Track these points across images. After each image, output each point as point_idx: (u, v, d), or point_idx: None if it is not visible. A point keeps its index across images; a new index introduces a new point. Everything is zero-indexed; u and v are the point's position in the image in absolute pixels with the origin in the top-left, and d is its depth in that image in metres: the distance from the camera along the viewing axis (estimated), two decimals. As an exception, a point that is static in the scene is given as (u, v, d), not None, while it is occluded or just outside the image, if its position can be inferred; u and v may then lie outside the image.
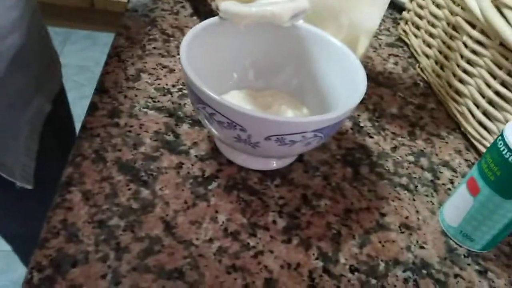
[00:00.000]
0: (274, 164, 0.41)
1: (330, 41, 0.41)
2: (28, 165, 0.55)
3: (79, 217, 0.34)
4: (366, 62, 0.59)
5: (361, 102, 0.51)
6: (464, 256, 0.38)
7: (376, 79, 0.56)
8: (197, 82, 0.33)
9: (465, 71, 0.49)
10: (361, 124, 0.49)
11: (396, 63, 0.60)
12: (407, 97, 0.54)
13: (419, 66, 0.59)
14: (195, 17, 0.59)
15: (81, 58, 1.84)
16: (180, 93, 0.47)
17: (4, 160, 0.52)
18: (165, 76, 0.49)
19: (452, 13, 0.51)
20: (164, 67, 0.50)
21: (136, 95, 0.45)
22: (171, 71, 0.49)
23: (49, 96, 0.59)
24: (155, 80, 0.48)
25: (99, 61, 1.83)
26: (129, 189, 0.37)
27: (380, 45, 0.63)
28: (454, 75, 0.51)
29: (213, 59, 0.41)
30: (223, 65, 0.42)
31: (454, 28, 0.51)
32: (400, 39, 0.65)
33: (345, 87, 0.40)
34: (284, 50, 0.43)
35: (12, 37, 0.48)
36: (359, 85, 0.37)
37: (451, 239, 0.39)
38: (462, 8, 0.49)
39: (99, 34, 1.98)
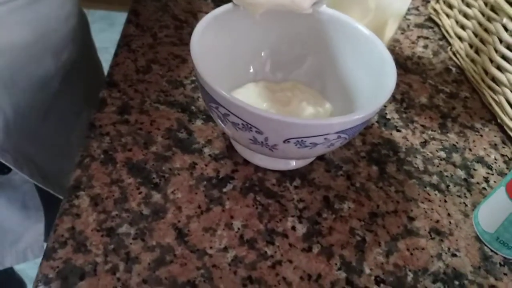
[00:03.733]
0: (293, 164, 0.38)
1: (356, 27, 0.38)
2: None
3: (88, 224, 0.32)
4: (393, 46, 0.54)
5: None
6: (500, 265, 0.35)
7: (404, 65, 0.52)
8: (209, 80, 0.30)
9: (503, 57, 0.44)
10: (388, 117, 0.45)
11: (426, 46, 0.56)
12: (438, 85, 0.50)
13: (451, 50, 0.55)
14: (209, 0, 0.55)
15: (99, 40, 1.81)
16: (193, 85, 0.44)
17: (62, 182, 0.49)
18: (177, 67, 0.46)
19: (491, -9, 0.46)
20: (176, 56, 0.47)
21: (147, 89, 0.43)
22: (184, 61, 0.47)
23: (96, 106, 0.57)
24: (167, 72, 0.45)
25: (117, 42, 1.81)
26: (140, 193, 0.35)
27: (408, 26, 0.59)
28: (491, 60, 0.46)
29: (226, 51, 0.38)
30: (238, 56, 0.39)
31: (493, 8, 0.46)
32: (430, 19, 0.60)
33: (372, 80, 0.36)
34: (304, 38, 0.40)
35: (67, 51, 0.46)
36: (388, 79, 0.34)
37: (486, 245, 0.36)
38: (502, -14, 0.44)
39: (116, 14, 1.95)
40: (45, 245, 0.53)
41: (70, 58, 0.47)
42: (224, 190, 0.36)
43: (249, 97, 0.38)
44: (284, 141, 0.31)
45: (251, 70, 0.40)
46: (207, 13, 0.44)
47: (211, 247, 0.32)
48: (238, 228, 0.34)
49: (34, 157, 0.45)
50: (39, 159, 0.46)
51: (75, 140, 0.52)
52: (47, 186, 0.47)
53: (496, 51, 0.45)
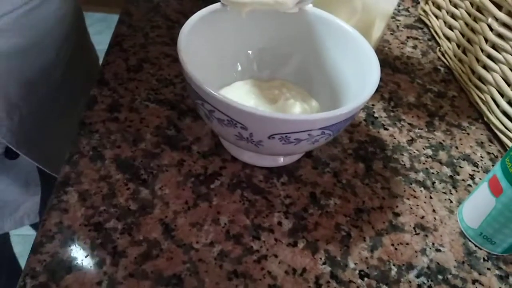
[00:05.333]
0: (281, 161, 0.38)
1: (341, 26, 0.38)
2: None
3: (75, 219, 0.33)
4: (383, 46, 0.55)
5: (376, 90, 0.48)
6: (484, 260, 0.35)
7: (393, 64, 0.53)
8: (194, 77, 0.31)
9: (489, 56, 0.45)
10: (376, 115, 0.46)
11: (415, 47, 0.56)
12: (426, 84, 0.51)
13: (439, 50, 0.55)
14: (200, 1, 0.56)
15: (97, 42, 1.82)
16: (183, 84, 0.45)
17: (61, 164, 0.53)
18: (168, 66, 0.46)
19: (477, -8, 0.46)
20: (168, 56, 0.48)
21: (137, 87, 0.43)
22: (175, 60, 0.47)
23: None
24: (157, 71, 0.45)
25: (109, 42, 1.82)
26: (128, 189, 0.35)
27: (398, 26, 0.59)
28: (478, 60, 0.47)
29: (214, 49, 0.38)
30: (226, 55, 0.40)
31: (479, 9, 0.46)
32: (420, 20, 0.61)
33: (357, 77, 0.37)
34: (291, 37, 0.40)
35: (66, 44, 0.49)
36: (371, 76, 0.34)
37: (470, 240, 0.36)
38: (488, -14, 0.45)
39: (114, 17, 1.96)
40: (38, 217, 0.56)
41: (69, 50, 0.50)
42: (212, 186, 0.36)
43: (237, 94, 0.38)
44: (268, 137, 0.31)
45: (239, 69, 0.41)
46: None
47: (197, 242, 0.33)
48: (225, 224, 0.34)
49: (40, 145, 0.49)
50: (45, 146, 0.50)
51: (73, 128, 0.55)
52: (49, 169, 0.51)
53: (482, 50, 0.46)
